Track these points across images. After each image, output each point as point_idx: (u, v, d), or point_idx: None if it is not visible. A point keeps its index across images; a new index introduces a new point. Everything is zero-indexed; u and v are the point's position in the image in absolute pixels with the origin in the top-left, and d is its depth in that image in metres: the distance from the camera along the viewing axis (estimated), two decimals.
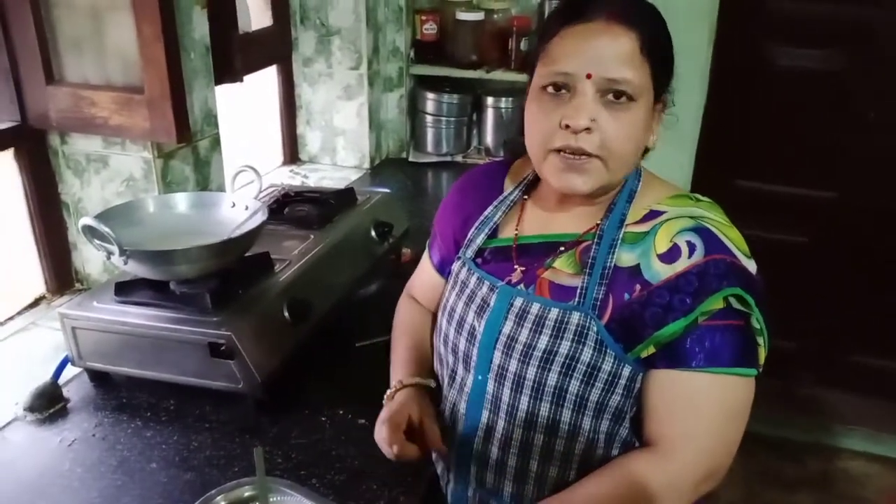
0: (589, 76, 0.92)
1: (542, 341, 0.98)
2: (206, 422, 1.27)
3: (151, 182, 1.61)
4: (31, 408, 1.28)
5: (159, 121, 1.51)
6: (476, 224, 1.13)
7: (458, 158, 2.65)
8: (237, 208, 1.42)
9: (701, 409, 0.95)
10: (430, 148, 2.64)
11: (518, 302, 1.01)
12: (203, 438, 1.23)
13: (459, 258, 1.14)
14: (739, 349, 0.94)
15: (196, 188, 1.70)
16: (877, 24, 2.40)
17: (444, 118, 2.58)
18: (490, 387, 1.03)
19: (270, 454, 1.18)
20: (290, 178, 2.44)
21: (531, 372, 0.98)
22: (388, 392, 1.12)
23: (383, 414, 1.07)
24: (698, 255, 0.93)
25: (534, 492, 1.03)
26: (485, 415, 1.04)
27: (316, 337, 1.39)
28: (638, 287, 0.94)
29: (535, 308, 1.00)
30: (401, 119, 2.65)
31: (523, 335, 0.99)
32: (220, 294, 1.29)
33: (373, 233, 1.68)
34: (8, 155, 1.61)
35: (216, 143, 1.76)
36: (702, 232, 0.94)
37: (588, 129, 0.93)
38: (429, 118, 2.60)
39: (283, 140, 2.57)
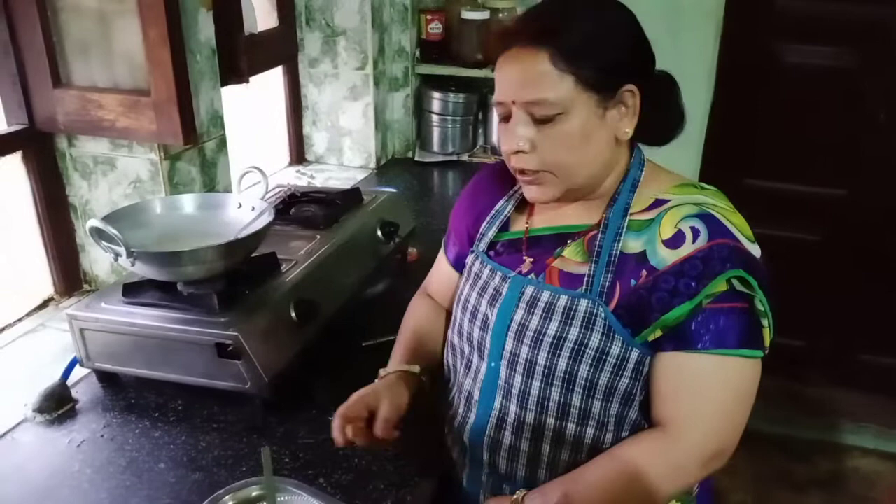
0: (513, 103, 0.99)
1: (552, 327, 1.01)
2: (213, 422, 1.28)
3: (158, 184, 1.62)
4: (40, 409, 1.29)
5: (166, 123, 1.52)
6: (487, 218, 1.16)
7: (465, 158, 2.64)
8: (244, 209, 1.42)
9: (707, 391, 0.97)
10: (436, 147, 2.64)
11: (529, 290, 1.04)
12: (211, 438, 1.24)
13: (473, 251, 1.17)
14: (744, 331, 0.96)
15: (203, 189, 1.71)
16: (887, 22, 2.39)
17: (449, 117, 2.58)
18: (503, 373, 1.06)
19: (278, 454, 1.19)
20: (297, 178, 2.45)
21: (542, 357, 1.01)
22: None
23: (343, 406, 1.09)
24: (702, 240, 0.95)
25: (546, 476, 1.05)
26: (498, 401, 1.07)
27: (323, 337, 1.40)
28: (644, 273, 0.97)
29: (545, 296, 1.03)
30: (407, 119, 2.65)
31: (534, 322, 1.02)
32: (228, 295, 1.30)
33: (379, 232, 1.68)
34: (16, 158, 1.62)
35: (223, 144, 1.77)
36: (706, 218, 0.96)
37: (523, 151, 1.00)
38: (435, 118, 2.60)
39: (290, 141, 2.58)
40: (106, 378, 1.37)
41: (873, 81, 2.47)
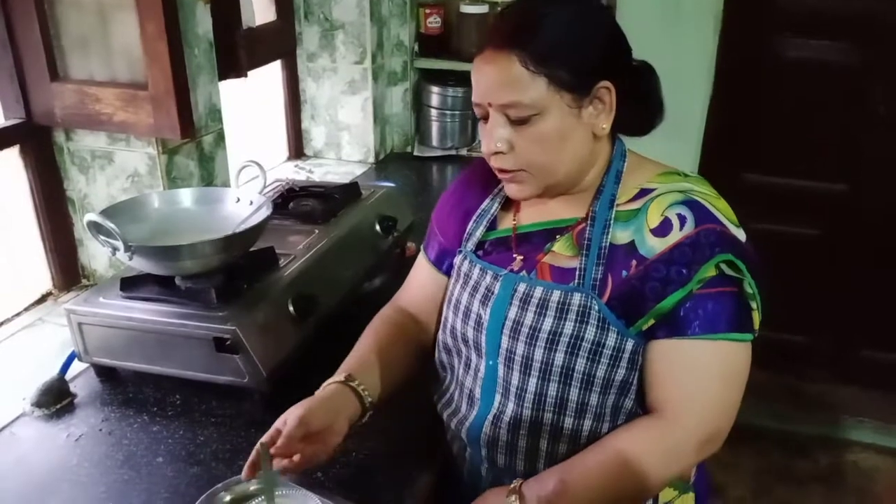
0: (490, 105, 0.99)
1: (547, 323, 1.01)
2: (212, 416, 1.28)
3: (156, 178, 1.61)
4: (39, 403, 1.29)
5: (163, 117, 1.51)
6: (474, 217, 1.16)
7: (464, 152, 2.64)
8: (242, 203, 1.42)
9: (700, 375, 0.98)
10: (435, 142, 2.64)
11: (521, 287, 1.04)
12: (209, 433, 1.23)
13: (461, 252, 1.16)
14: (734, 315, 0.97)
15: (201, 183, 1.71)
16: (888, 16, 2.38)
17: (448, 112, 2.57)
18: (500, 371, 1.06)
19: None
20: (295, 172, 2.44)
21: (538, 353, 1.01)
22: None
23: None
24: (689, 227, 0.96)
25: (545, 468, 1.04)
26: (497, 398, 1.07)
27: (321, 331, 1.39)
28: (634, 263, 0.98)
29: (538, 292, 1.03)
30: (405, 113, 2.65)
31: (528, 318, 1.02)
32: (226, 289, 1.30)
33: (377, 227, 1.68)
34: (14, 152, 1.61)
35: (220, 138, 1.76)
36: (691, 204, 0.97)
37: (501, 152, 1.00)
38: (433, 112, 2.59)
39: (288, 135, 2.57)
40: (104, 372, 1.37)
41: (873, 76, 2.46)
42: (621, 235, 1.00)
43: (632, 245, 0.99)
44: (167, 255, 1.25)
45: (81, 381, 1.36)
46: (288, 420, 1.00)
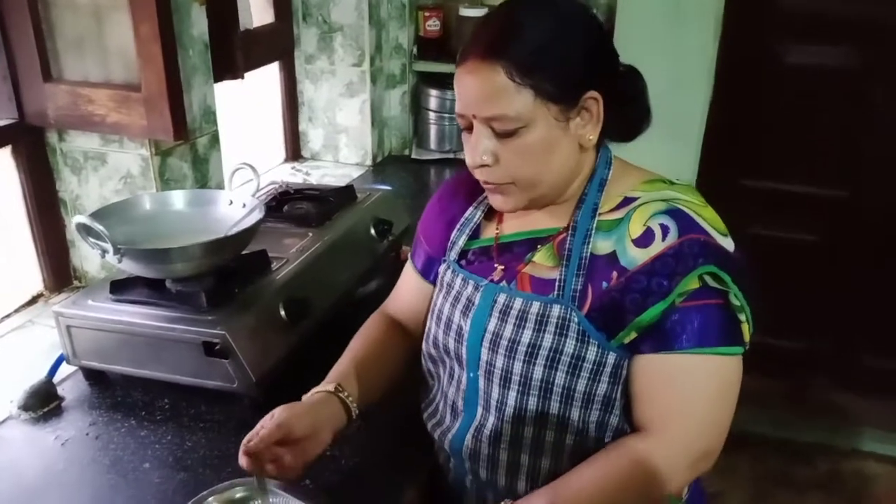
0: (474, 117, 0.96)
1: (526, 335, 0.98)
2: (200, 421, 1.26)
3: (149, 179, 1.60)
4: (26, 406, 1.27)
5: (156, 118, 1.50)
6: (457, 226, 1.14)
7: (461, 155, 2.61)
8: (234, 206, 1.40)
9: (688, 391, 0.95)
10: (433, 145, 2.63)
11: (501, 298, 1.02)
12: (197, 438, 1.22)
13: (444, 261, 1.14)
14: (721, 328, 0.94)
15: (195, 185, 1.69)
16: (889, 21, 2.36)
17: (447, 115, 2.56)
18: (481, 383, 1.04)
19: None
20: (292, 175, 2.43)
21: (517, 366, 0.99)
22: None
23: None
24: (672, 237, 0.93)
25: (527, 485, 1.04)
26: (479, 411, 1.05)
27: (313, 336, 1.38)
28: (615, 274, 0.95)
29: (517, 303, 1.00)
30: (404, 116, 2.63)
31: (507, 331, 1.00)
32: (216, 292, 1.28)
33: (372, 231, 1.66)
34: (6, 152, 1.60)
35: (215, 140, 1.75)
36: (675, 213, 0.95)
37: (486, 165, 0.97)
38: (432, 115, 2.58)
39: (286, 137, 2.56)
40: (92, 376, 1.35)
41: (874, 81, 2.44)
42: (603, 245, 0.97)
43: (613, 256, 0.96)
44: (157, 258, 1.23)
45: (70, 384, 1.35)
46: (266, 423, 0.98)
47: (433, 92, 2.55)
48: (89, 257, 1.72)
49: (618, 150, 1.07)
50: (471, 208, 1.14)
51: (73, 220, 1.20)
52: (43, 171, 1.65)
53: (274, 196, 1.69)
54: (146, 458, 1.17)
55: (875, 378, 2.82)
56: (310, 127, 2.55)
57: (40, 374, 1.31)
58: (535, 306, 0.98)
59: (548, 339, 0.97)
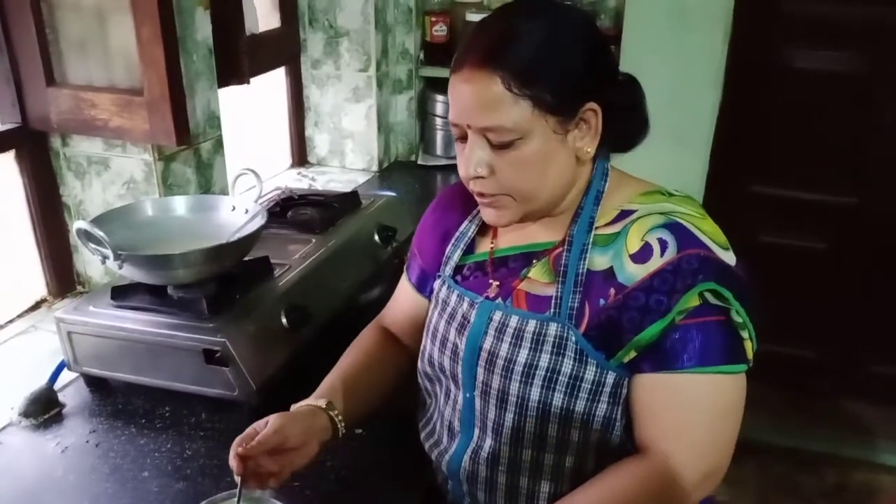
0: (469, 127, 0.93)
1: (522, 355, 0.96)
2: (200, 429, 1.25)
3: (152, 184, 1.59)
4: (26, 413, 1.27)
5: (159, 123, 1.49)
6: (452, 240, 1.11)
7: None
8: (237, 212, 1.39)
9: (691, 411, 0.92)
10: (439, 151, 2.61)
11: (497, 316, 0.99)
12: (197, 447, 1.21)
13: (440, 276, 1.11)
14: (723, 346, 0.91)
15: (198, 191, 1.69)
16: None
17: None
18: (477, 404, 1.01)
19: None
20: (298, 180, 2.42)
21: (514, 387, 0.96)
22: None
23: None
24: (671, 253, 0.90)
25: None
26: (476, 432, 1.02)
27: (315, 343, 1.36)
28: (612, 291, 0.92)
29: (513, 321, 0.98)
30: (410, 121, 2.62)
31: (503, 350, 0.97)
32: (217, 299, 1.27)
33: (376, 237, 1.65)
34: (9, 157, 1.60)
35: (219, 145, 1.74)
36: (673, 227, 0.92)
37: (480, 177, 0.94)
38: (438, 120, 2.57)
39: (292, 142, 2.55)
40: (94, 382, 1.34)
41: (883, 86, 2.42)
42: (599, 261, 0.94)
43: (610, 271, 0.93)
44: (158, 264, 1.23)
45: (71, 390, 1.34)
46: (260, 428, 0.96)
47: (440, 97, 2.54)
48: (93, 262, 1.71)
49: (626, 155, 1.04)
50: (465, 222, 1.11)
51: (74, 226, 1.19)
52: (46, 176, 1.65)
53: (278, 202, 1.68)
54: (145, 466, 1.16)
55: (884, 386, 2.79)
56: (316, 132, 2.54)
57: (41, 381, 1.31)
58: (532, 325, 0.96)
59: (545, 359, 0.94)
